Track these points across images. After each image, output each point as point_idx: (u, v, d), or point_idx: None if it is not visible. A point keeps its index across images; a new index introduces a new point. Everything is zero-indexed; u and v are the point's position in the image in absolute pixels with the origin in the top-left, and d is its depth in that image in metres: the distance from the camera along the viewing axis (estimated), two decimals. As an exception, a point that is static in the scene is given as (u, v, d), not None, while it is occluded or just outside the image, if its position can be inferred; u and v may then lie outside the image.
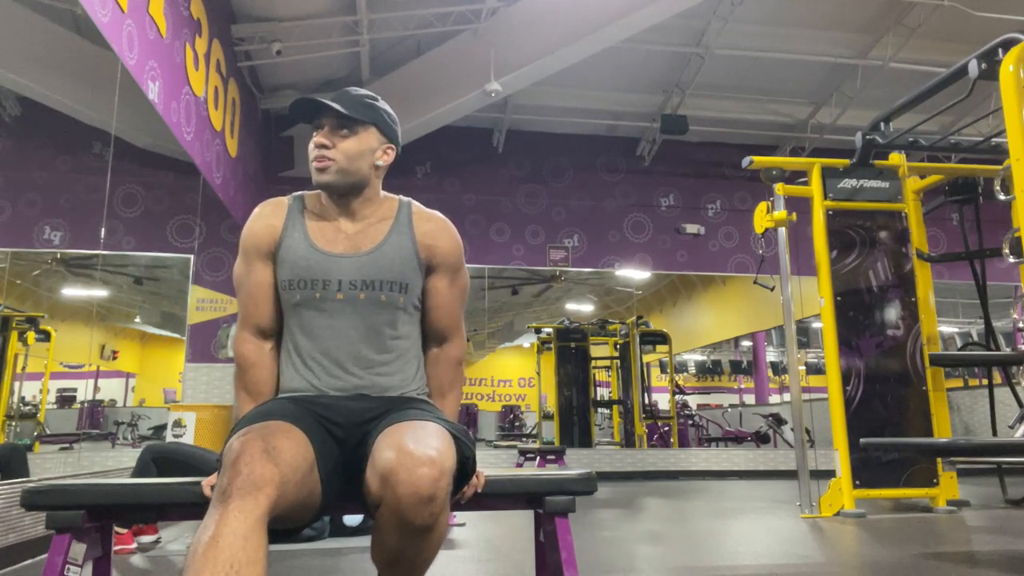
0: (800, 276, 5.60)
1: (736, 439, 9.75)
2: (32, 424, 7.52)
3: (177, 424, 6.07)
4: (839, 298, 4.78)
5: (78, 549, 1.46)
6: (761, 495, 5.91)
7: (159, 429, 8.08)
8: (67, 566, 1.43)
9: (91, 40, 5.14)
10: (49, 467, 6.18)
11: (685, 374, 12.26)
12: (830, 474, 4.57)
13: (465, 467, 1.44)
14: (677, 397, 9.77)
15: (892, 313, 4.81)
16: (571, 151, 8.84)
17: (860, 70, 7.71)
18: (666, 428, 9.63)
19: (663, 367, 10.82)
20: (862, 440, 3.68)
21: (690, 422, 10.47)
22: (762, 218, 4.85)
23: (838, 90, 8.07)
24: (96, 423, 8.91)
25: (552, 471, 1.73)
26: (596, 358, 9.98)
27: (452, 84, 6.95)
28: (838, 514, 4.39)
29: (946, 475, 4.64)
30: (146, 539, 3.35)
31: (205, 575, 1.11)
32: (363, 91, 1.68)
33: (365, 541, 1.47)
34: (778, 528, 3.96)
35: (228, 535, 1.14)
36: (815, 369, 9.56)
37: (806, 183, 5.00)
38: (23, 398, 7.48)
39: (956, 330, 11.32)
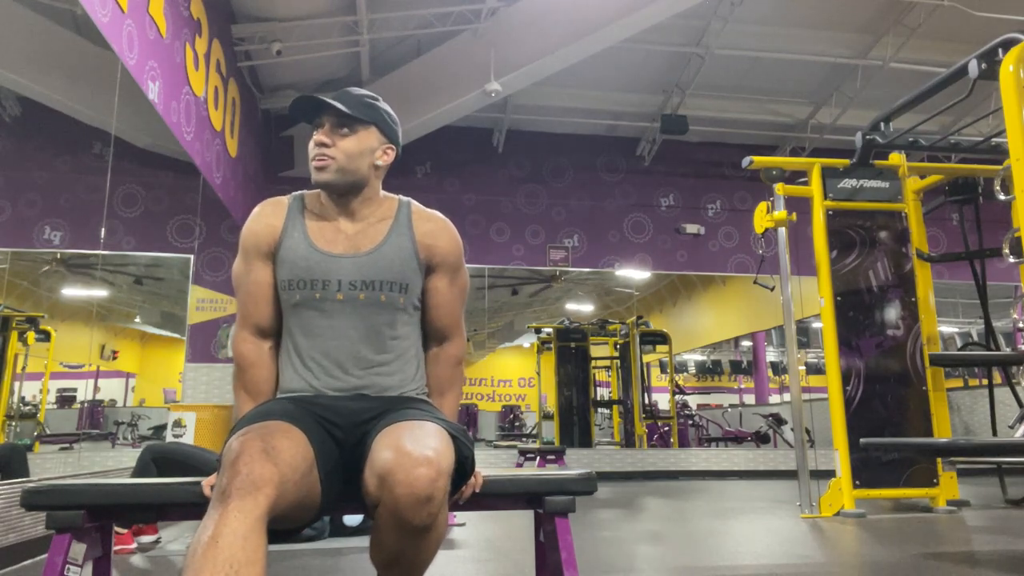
0: (800, 276, 5.60)
1: (736, 439, 9.75)
2: (32, 424, 7.52)
3: (177, 424, 6.07)
4: (839, 298, 4.78)
5: (78, 549, 1.46)
6: (761, 495, 5.91)
7: (159, 429, 8.09)
8: (67, 566, 1.43)
9: (91, 40, 5.14)
10: (49, 467, 6.19)
11: (685, 374, 12.26)
12: (830, 474, 4.57)
13: (464, 467, 1.44)
14: (677, 397, 9.77)
15: (892, 313, 4.81)
16: (571, 151, 8.84)
17: (860, 70, 7.71)
18: (666, 428, 9.63)
19: (663, 367, 10.82)
20: (862, 440, 3.68)
21: (690, 422, 10.47)
22: (762, 218, 4.85)
23: (838, 90, 8.07)
24: (96, 423, 8.91)
25: (552, 471, 1.73)
26: (596, 358, 9.98)
27: (452, 84, 6.95)
28: (838, 514, 4.39)
29: (946, 475, 4.64)
30: (146, 539, 3.35)
31: (204, 575, 1.11)
32: (364, 91, 1.68)
33: (365, 541, 1.47)
34: (778, 528, 3.96)
35: (227, 535, 1.14)
36: (815, 369, 9.56)
37: (806, 183, 5.00)
38: (23, 398, 7.48)
39: (956, 330, 11.32)
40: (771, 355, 12.07)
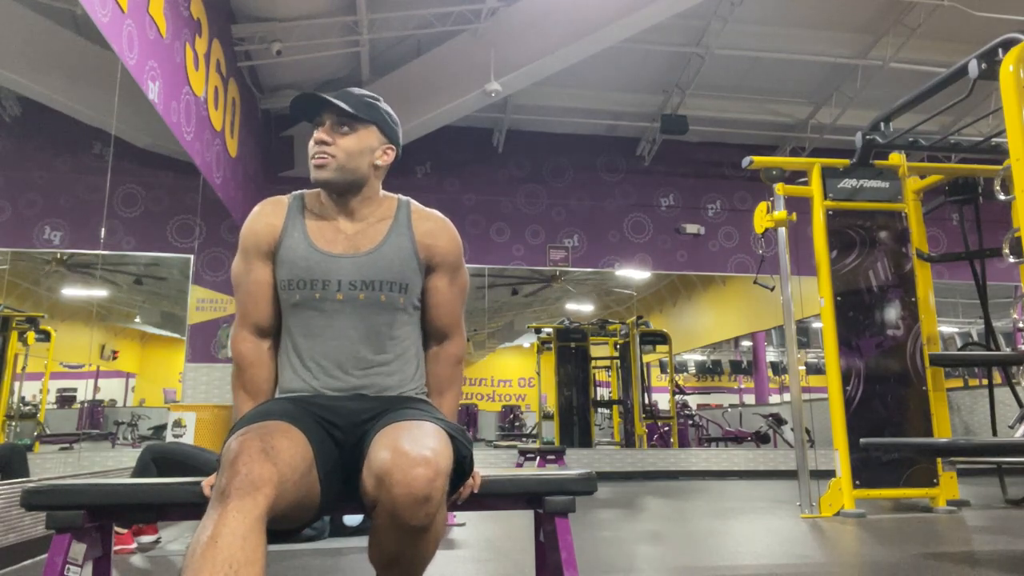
0: (800, 276, 5.60)
1: (736, 439, 9.75)
2: (32, 424, 7.52)
3: (177, 424, 6.07)
4: (839, 298, 4.78)
5: (78, 549, 1.46)
6: (761, 495, 5.91)
7: (159, 429, 8.09)
8: (67, 566, 1.43)
9: (91, 40, 5.14)
10: (49, 467, 6.18)
11: (685, 374, 12.26)
12: (830, 474, 4.57)
13: (462, 467, 1.44)
14: (677, 397, 9.77)
15: (892, 313, 4.81)
16: (571, 151, 8.84)
17: (860, 70, 7.71)
18: (666, 428, 9.63)
19: (663, 367, 10.82)
20: (862, 440, 3.68)
21: (690, 422, 10.47)
22: (762, 218, 4.85)
23: (838, 90, 8.07)
24: (96, 423, 8.91)
25: (552, 471, 1.73)
26: (596, 358, 9.98)
27: (452, 84, 6.95)
28: (838, 514, 4.39)
29: (946, 475, 4.64)
30: (146, 539, 3.35)
31: (204, 575, 1.11)
32: (365, 91, 1.68)
33: (365, 541, 1.47)
34: (778, 528, 3.96)
35: (227, 535, 1.14)
36: (815, 369, 9.56)
37: (806, 183, 5.00)
38: (23, 398, 7.48)
39: (956, 330, 11.32)
40: (771, 355, 12.07)
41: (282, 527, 1.35)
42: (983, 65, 3.56)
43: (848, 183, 4.93)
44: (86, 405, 8.88)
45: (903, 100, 4.43)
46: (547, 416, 9.75)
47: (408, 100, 6.89)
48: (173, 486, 1.51)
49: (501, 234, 8.46)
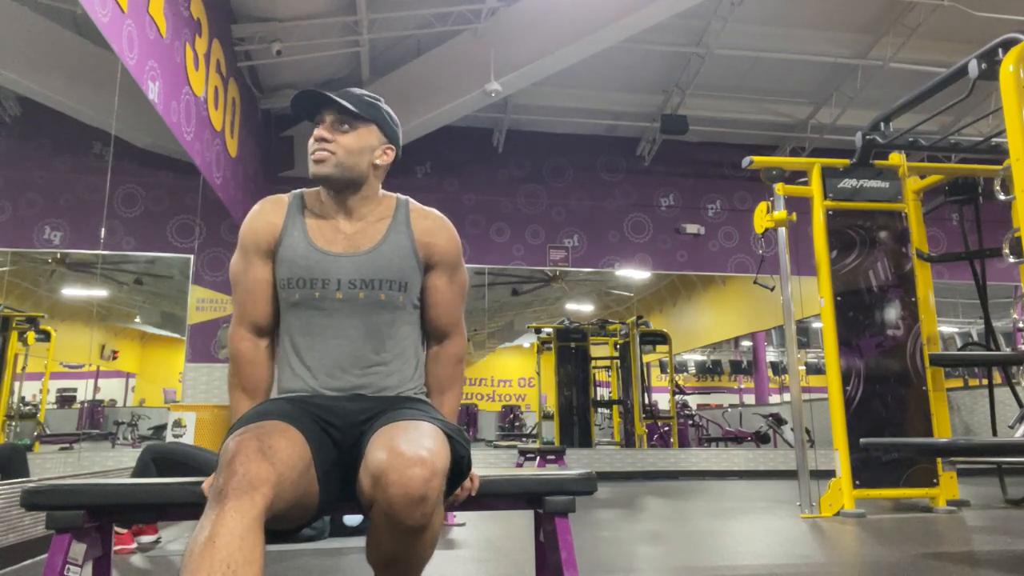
0: (800, 276, 5.60)
1: (736, 439, 9.75)
2: (32, 424, 7.52)
3: (177, 424, 6.07)
4: (839, 298, 4.78)
5: (78, 549, 1.46)
6: (761, 495, 5.91)
7: (159, 429, 8.09)
8: (67, 566, 1.43)
9: (91, 40, 5.14)
10: (49, 467, 6.18)
11: (685, 374, 12.26)
12: (830, 474, 4.57)
13: (460, 466, 1.44)
14: (677, 397, 9.77)
15: (892, 313, 4.81)
16: (571, 151, 8.84)
17: (860, 70, 7.71)
18: (666, 428, 9.63)
19: (663, 367, 10.82)
20: (862, 440, 3.68)
21: (690, 422, 10.46)
22: (762, 218, 4.85)
23: (838, 90, 8.07)
24: (96, 423, 8.91)
25: (552, 471, 1.73)
26: (596, 358, 9.98)
27: (452, 84, 6.95)
28: (838, 514, 4.39)
29: (946, 475, 4.64)
30: (146, 539, 3.35)
31: (202, 575, 1.11)
32: (365, 91, 1.68)
33: (365, 541, 1.47)
34: (778, 528, 3.96)
35: (225, 535, 1.14)
36: (815, 369, 9.56)
37: (806, 183, 5.00)
38: (23, 398, 7.48)
39: (956, 330, 11.32)
40: (771, 355, 12.07)
41: (281, 527, 1.35)
42: (983, 65, 3.56)
43: (848, 183, 4.93)
44: (86, 405, 8.88)
45: (903, 100, 4.43)
46: (547, 416, 9.75)
47: (408, 100, 6.89)
48: (173, 486, 1.51)
49: (501, 234, 8.46)
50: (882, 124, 4.66)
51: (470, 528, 3.93)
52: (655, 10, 6.22)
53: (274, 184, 7.48)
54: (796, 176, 5.11)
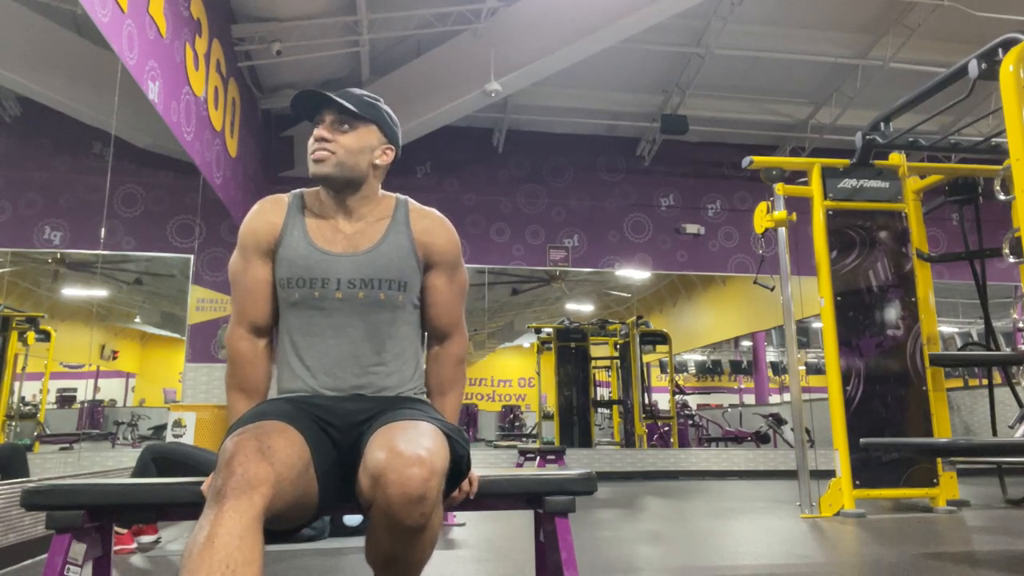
0: (800, 276, 5.60)
1: (736, 439, 9.75)
2: (32, 424, 7.52)
3: (177, 424, 6.07)
4: (839, 298, 4.78)
5: (78, 549, 1.46)
6: (761, 495, 5.91)
7: (159, 429, 8.09)
8: (67, 566, 1.43)
9: (91, 40, 5.14)
10: (49, 467, 6.18)
11: (685, 374, 12.26)
12: (830, 474, 4.57)
13: (459, 466, 1.44)
14: (677, 397, 9.77)
15: (892, 313, 4.81)
16: (571, 151, 8.84)
17: (860, 70, 7.71)
18: (666, 428, 9.63)
19: (663, 367, 10.82)
20: (862, 440, 3.68)
21: (690, 422, 10.46)
22: (762, 218, 4.85)
23: (838, 90, 8.07)
24: (96, 423, 8.91)
25: (552, 471, 1.73)
26: (596, 358, 9.98)
27: (452, 84, 6.95)
28: (838, 514, 4.39)
29: (946, 475, 4.64)
30: (146, 539, 3.35)
31: (201, 575, 1.11)
32: (365, 92, 1.68)
33: (364, 541, 1.47)
34: (778, 528, 3.96)
35: (223, 535, 1.14)
36: (815, 369, 9.56)
37: (806, 183, 5.00)
38: (23, 398, 7.48)
39: (956, 330, 11.32)
40: (771, 355, 12.07)
41: (280, 527, 1.35)
42: (983, 65, 3.56)
43: (848, 183, 4.93)
44: (86, 405, 8.88)
45: (903, 100, 4.43)
46: (547, 416, 9.75)
47: (408, 100, 6.89)
48: (173, 486, 1.51)
49: (501, 234, 8.46)
50: (882, 124, 4.66)
51: (470, 528, 3.93)
52: (655, 10, 6.22)
53: (274, 184, 7.49)
54: (796, 176, 5.11)
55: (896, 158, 5.11)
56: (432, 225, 1.69)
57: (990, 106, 5.65)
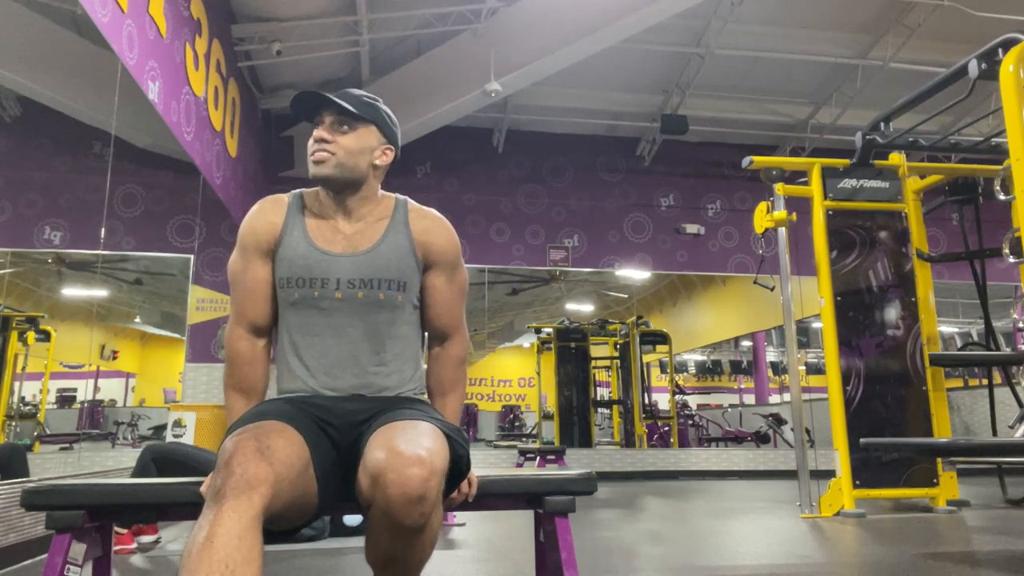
0: (800, 276, 5.60)
1: (736, 439, 9.75)
2: (32, 424, 7.52)
3: (177, 424, 6.07)
4: (839, 298, 4.78)
5: (78, 549, 1.46)
6: (761, 495, 5.91)
7: (159, 429, 8.09)
8: (67, 566, 1.43)
9: (91, 40, 5.14)
10: (49, 467, 6.18)
11: (685, 374, 12.26)
12: (830, 474, 4.57)
13: (458, 466, 1.44)
14: (677, 397, 9.77)
15: (892, 313, 4.81)
16: (571, 151, 8.84)
17: (860, 70, 7.71)
18: (666, 428, 9.63)
19: (663, 367, 10.82)
20: (862, 440, 3.68)
21: (690, 422, 10.46)
22: (762, 218, 4.85)
23: (838, 90, 8.07)
24: (96, 423, 8.91)
25: (552, 471, 1.73)
26: (596, 358, 9.98)
27: (452, 84, 6.95)
28: (838, 514, 4.39)
29: (946, 475, 4.64)
30: (146, 539, 3.35)
31: (200, 575, 1.11)
32: (364, 92, 1.68)
33: (364, 541, 1.47)
34: (778, 528, 3.96)
35: (223, 535, 1.14)
36: (815, 369, 9.56)
37: (806, 183, 5.00)
38: (23, 398, 7.48)
39: (956, 330, 11.32)
40: (771, 355, 12.07)
41: (280, 527, 1.35)
42: (983, 65, 3.56)
43: (848, 183, 4.93)
44: (86, 405, 8.88)
45: (903, 100, 4.43)
46: (547, 416, 9.75)
47: (408, 100, 6.89)
48: (173, 486, 1.51)
49: (501, 234, 8.46)
50: (882, 124, 4.66)
51: (470, 528, 3.93)
52: (655, 10, 6.22)
53: (274, 184, 7.49)
54: (796, 176, 5.11)
55: (896, 158, 5.11)
56: (431, 225, 1.69)
57: (990, 106, 5.65)
